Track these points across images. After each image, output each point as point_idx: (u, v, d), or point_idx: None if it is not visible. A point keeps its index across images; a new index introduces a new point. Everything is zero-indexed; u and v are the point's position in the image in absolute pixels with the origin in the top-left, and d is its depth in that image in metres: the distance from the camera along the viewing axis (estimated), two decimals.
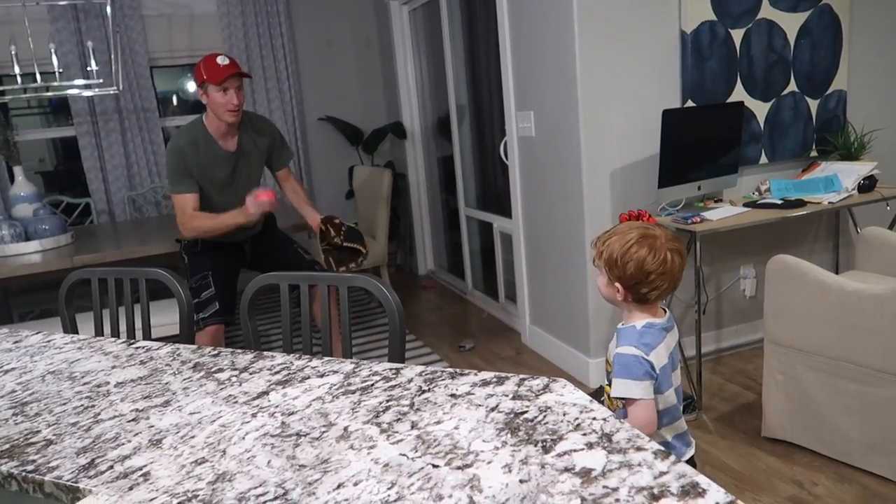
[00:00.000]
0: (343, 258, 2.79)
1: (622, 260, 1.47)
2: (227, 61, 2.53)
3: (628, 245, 1.47)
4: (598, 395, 1.84)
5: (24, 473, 0.92)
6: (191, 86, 5.23)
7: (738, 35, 2.94)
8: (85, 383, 1.23)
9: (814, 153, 3.23)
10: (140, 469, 0.89)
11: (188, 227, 2.65)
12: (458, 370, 1.09)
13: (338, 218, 2.82)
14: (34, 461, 0.95)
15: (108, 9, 3.88)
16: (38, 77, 3.44)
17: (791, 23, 3.03)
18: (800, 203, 2.80)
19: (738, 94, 3.00)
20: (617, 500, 0.71)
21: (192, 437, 0.97)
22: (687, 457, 1.59)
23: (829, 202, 2.81)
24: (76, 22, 4.26)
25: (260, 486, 0.82)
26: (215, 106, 2.54)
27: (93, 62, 3.55)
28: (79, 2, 4.16)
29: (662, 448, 0.80)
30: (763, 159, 3.13)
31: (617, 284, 1.50)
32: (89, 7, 4.24)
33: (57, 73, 3.45)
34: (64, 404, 1.14)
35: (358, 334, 3.89)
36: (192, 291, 2.70)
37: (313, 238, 2.81)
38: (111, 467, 0.91)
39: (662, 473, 0.74)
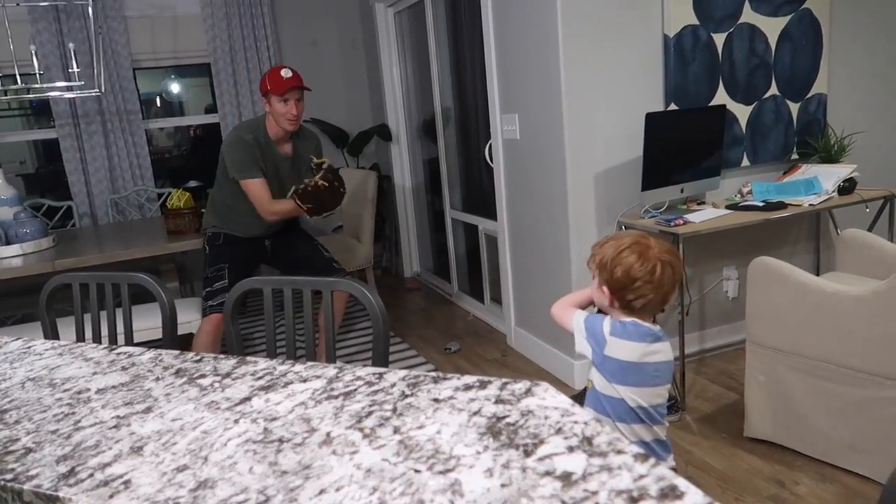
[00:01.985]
0: (322, 201, 2.74)
1: (611, 264, 1.50)
2: (289, 74, 2.71)
3: (620, 249, 1.50)
4: (581, 396, 1.86)
5: (2, 482, 0.91)
6: (174, 87, 5.20)
7: (720, 39, 2.97)
8: (65, 390, 1.22)
9: (795, 156, 3.27)
10: (121, 476, 0.89)
11: (270, 211, 2.76)
12: (441, 374, 1.10)
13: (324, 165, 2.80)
14: (13, 470, 0.94)
15: (90, 10, 3.84)
16: (19, 79, 3.40)
17: (772, 27, 3.07)
18: (781, 205, 2.83)
19: (721, 97, 3.03)
20: (597, 503, 0.71)
21: (174, 443, 0.97)
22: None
23: (810, 204, 2.84)
24: (57, 23, 4.22)
25: (241, 492, 0.82)
26: (276, 115, 2.72)
27: (74, 64, 3.52)
28: (60, 3, 4.12)
29: (643, 451, 0.81)
30: (745, 162, 3.17)
31: (604, 288, 1.53)
32: (71, 8, 4.20)
33: (38, 75, 3.41)
34: (44, 412, 1.13)
35: (343, 338, 3.88)
36: (207, 281, 2.82)
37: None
38: (91, 475, 0.90)
39: (642, 476, 0.75)
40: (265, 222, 2.86)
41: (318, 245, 3.09)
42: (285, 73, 2.70)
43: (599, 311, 1.64)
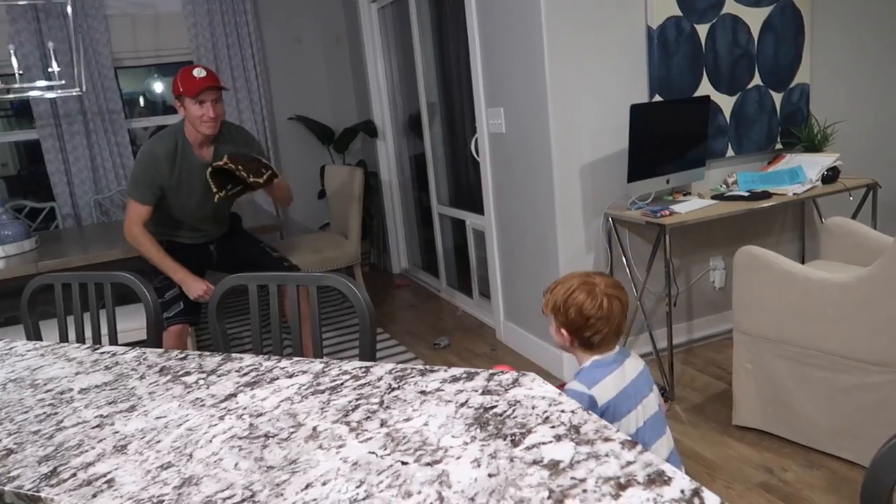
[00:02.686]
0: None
1: (564, 306, 1.56)
2: (203, 73, 2.51)
3: (569, 292, 1.56)
4: None
5: None
6: (157, 86, 5.16)
7: (703, 30, 2.98)
8: (48, 390, 1.20)
9: (779, 146, 3.29)
10: (104, 476, 0.87)
11: (132, 237, 2.62)
12: (428, 367, 1.09)
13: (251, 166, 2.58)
14: None
15: (70, 9, 3.80)
16: None
17: (754, 17, 3.08)
18: (766, 195, 2.85)
19: (705, 88, 3.04)
20: (584, 490, 0.71)
21: (158, 441, 0.96)
22: None
23: (794, 193, 2.86)
24: (36, 22, 4.16)
25: (227, 488, 0.81)
26: (192, 118, 2.53)
27: (54, 63, 3.47)
28: (39, 1, 4.06)
29: (630, 438, 0.80)
30: (730, 152, 3.18)
31: (563, 330, 1.58)
32: (50, 7, 4.15)
33: (17, 75, 3.36)
34: (25, 412, 1.12)
35: (332, 333, 3.87)
36: (157, 291, 2.70)
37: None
38: (74, 475, 0.89)
39: (629, 463, 0.75)
40: (206, 228, 2.79)
41: (265, 247, 2.99)
42: (198, 72, 2.50)
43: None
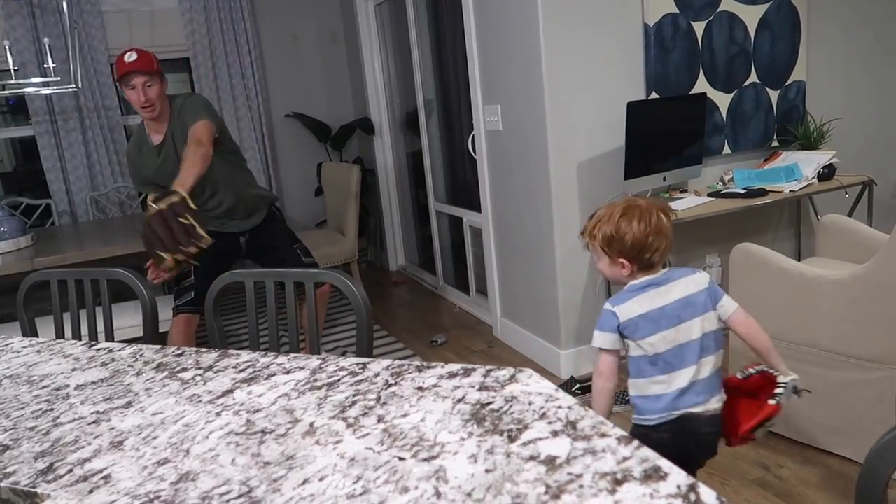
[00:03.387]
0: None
1: (618, 235, 1.55)
2: (133, 57, 2.40)
3: (618, 220, 1.56)
4: (568, 385, 1.87)
5: None
6: None
7: (699, 27, 2.98)
8: (44, 387, 1.20)
9: (775, 143, 3.29)
10: (100, 472, 0.87)
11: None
12: (424, 363, 1.09)
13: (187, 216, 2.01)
14: None
15: (65, 5, 3.78)
16: None
17: (751, 15, 3.09)
18: (762, 192, 2.85)
19: (701, 85, 3.04)
20: (581, 486, 0.71)
21: (155, 437, 0.95)
22: (652, 421, 1.59)
23: (791, 191, 2.87)
24: (32, 18, 4.15)
25: (224, 484, 0.81)
26: (131, 102, 2.48)
27: (50, 59, 3.46)
28: None
29: (626, 434, 0.81)
30: (726, 150, 3.19)
31: (622, 260, 1.57)
32: (45, 3, 4.14)
33: (12, 71, 3.36)
34: (21, 409, 1.11)
35: (328, 333, 3.86)
36: (175, 278, 2.67)
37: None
38: (70, 471, 0.89)
39: (625, 458, 0.75)
40: (220, 210, 2.72)
41: (298, 249, 2.87)
42: (128, 56, 2.38)
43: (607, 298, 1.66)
